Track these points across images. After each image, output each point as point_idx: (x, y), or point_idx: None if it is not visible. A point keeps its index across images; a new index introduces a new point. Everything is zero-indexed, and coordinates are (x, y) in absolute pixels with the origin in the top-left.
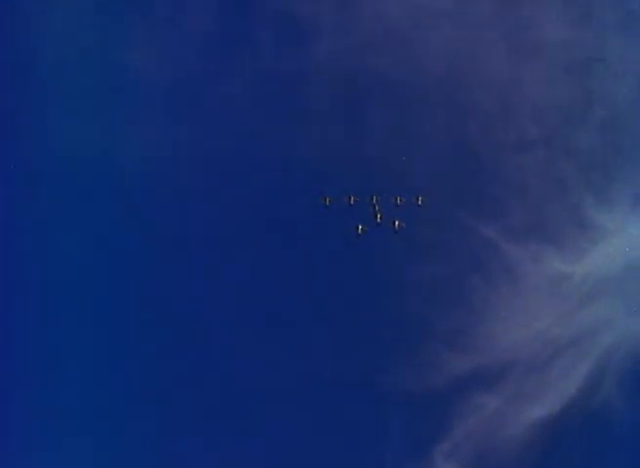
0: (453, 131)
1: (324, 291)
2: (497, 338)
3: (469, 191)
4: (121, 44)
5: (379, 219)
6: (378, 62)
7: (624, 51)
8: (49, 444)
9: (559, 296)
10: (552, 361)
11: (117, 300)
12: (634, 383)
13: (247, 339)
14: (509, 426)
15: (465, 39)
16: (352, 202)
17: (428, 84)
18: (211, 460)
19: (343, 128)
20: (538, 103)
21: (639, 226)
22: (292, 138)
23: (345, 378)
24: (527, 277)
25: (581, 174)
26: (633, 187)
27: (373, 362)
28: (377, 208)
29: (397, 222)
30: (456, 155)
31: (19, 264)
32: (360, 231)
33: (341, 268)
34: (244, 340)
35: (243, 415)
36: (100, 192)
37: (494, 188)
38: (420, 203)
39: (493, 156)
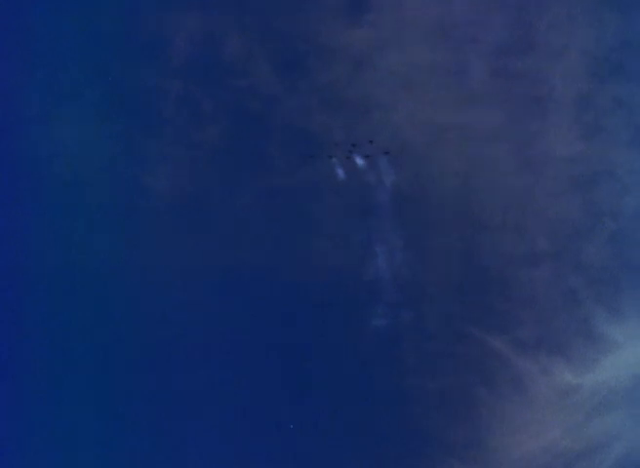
0: (463, 243)
1: (332, 404)
2: (507, 450)
3: (479, 304)
4: (133, 160)
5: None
6: (391, 173)
7: (632, 164)
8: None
9: (568, 408)
10: None
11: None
12: None
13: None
14: None
15: (476, 154)
16: None
17: (439, 197)
18: None
19: (357, 243)
20: (547, 217)
21: None
22: (305, 253)
23: None
24: (536, 389)
25: (591, 286)
26: None
27: None
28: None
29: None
30: (466, 268)
31: None
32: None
33: (349, 382)
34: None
35: None
36: (112, 302)
37: (504, 301)
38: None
39: (503, 269)
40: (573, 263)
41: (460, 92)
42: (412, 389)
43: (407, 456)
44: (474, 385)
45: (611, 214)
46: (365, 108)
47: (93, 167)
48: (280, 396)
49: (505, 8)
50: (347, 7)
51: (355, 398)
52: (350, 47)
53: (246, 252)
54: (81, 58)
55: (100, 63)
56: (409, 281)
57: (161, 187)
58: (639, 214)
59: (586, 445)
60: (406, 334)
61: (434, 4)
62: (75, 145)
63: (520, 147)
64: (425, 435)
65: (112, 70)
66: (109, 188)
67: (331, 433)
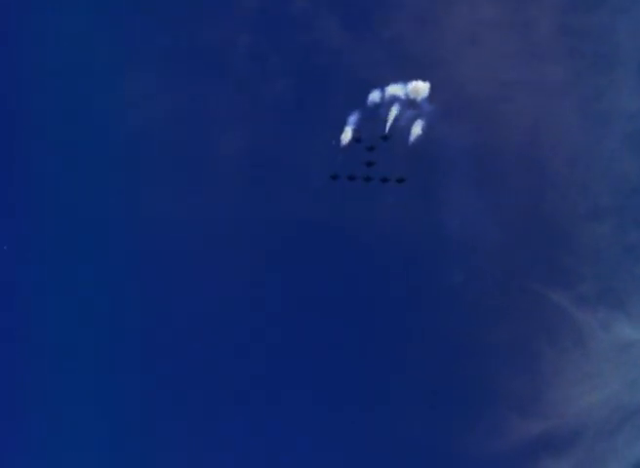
0: (528, 199)
1: (390, 355)
2: (566, 404)
3: (542, 259)
4: (199, 113)
5: None
6: (457, 130)
7: None
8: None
9: (628, 362)
10: (621, 427)
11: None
12: None
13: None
14: None
15: (540, 110)
16: None
17: (505, 153)
18: None
19: (422, 194)
20: (610, 172)
21: None
22: (374, 210)
23: (410, 441)
24: (596, 343)
25: None
26: None
27: (440, 426)
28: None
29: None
30: (530, 223)
31: None
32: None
33: (408, 333)
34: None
35: None
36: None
37: (566, 256)
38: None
39: (566, 224)
40: (635, 219)
41: (526, 48)
42: (474, 343)
43: (467, 408)
44: (534, 339)
45: None
46: (429, 64)
47: (158, 118)
48: (359, 343)
49: None
50: None
51: (418, 351)
52: (415, 2)
53: (314, 205)
54: (148, 10)
55: (168, 17)
56: (475, 236)
57: (227, 139)
58: None
59: None
60: (471, 289)
61: None
62: (141, 97)
63: (584, 103)
64: (486, 387)
65: (180, 25)
66: (175, 140)
67: (398, 383)
